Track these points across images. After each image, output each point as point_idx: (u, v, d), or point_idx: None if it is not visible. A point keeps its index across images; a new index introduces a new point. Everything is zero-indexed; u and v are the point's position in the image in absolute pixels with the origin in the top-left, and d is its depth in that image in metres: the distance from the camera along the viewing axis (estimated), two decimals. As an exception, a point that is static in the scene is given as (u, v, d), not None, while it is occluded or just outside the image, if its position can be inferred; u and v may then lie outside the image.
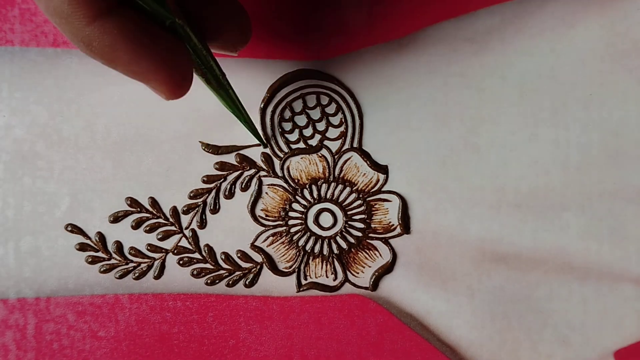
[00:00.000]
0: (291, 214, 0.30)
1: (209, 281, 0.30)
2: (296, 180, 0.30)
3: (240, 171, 0.30)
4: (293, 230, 0.30)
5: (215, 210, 0.30)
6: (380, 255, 0.30)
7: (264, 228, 0.30)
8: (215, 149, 0.30)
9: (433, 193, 0.30)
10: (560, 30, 0.29)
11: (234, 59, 0.30)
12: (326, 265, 0.30)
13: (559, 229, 0.29)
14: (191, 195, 0.30)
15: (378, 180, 0.30)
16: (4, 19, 0.30)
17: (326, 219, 0.30)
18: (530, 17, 0.29)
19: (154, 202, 0.30)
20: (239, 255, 0.30)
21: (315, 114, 0.30)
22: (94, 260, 0.30)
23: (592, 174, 0.29)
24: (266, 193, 0.30)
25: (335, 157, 0.30)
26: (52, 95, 0.30)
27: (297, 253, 0.30)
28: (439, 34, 0.30)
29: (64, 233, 0.29)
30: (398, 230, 0.30)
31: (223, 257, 0.30)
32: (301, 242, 0.30)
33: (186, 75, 0.22)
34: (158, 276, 0.30)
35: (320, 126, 0.30)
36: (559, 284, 0.29)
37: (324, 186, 0.30)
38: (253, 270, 0.30)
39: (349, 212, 0.30)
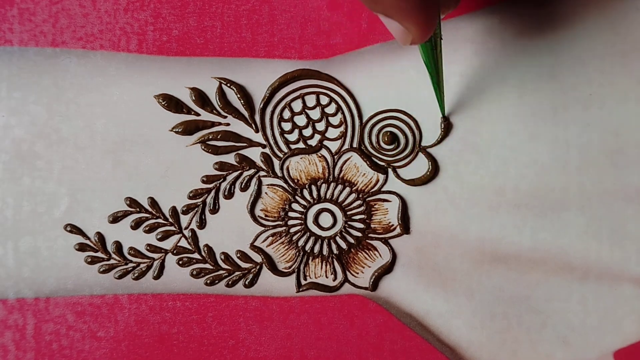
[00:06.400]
0: (291, 214, 0.30)
1: (208, 281, 0.30)
2: (296, 180, 0.30)
3: (239, 171, 0.30)
4: (293, 230, 0.30)
5: (214, 210, 0.30)
6: (380, 255, 0.30)
7: (263, 228, 0.30)
8: (214, 149, 0.30)
9: (433, 193, 0.30)
10: (560, 30, 0.29)
11: (233, 58, 0.29)
12: (326, 266, 0.30)
13: (559, 229, 0.29)
14: (190, 195, 0.30)
15: (378, 181, 0.30)
16: (3, 19, 0.29)
17: (326, 219, 0.30)
18: (530, 17, 0.29)
19: (153, 202, 0.30)
20: (238, 255, 0.30)
21: (315, 114, 0.30)
22: (93, 261, 0.29)
23: (592, 174, 0.29)
24: (266, 193, 0.30)
25: (335, 157, 0.30)
26: (51, 95, 0.29)
27: (297, 253, 0.30)
28: (439, 34, 0.30)
29: (63, 233, 0.29)
30: (398, 230, 0.30)
31: (222, 257, 0.30)
32: (301, 242, 0.30)
33: (434, 24, 0.22)
34: (157, 276, 0.30)
35: (320, 126, 0.30)
36: (559, 284, 0.29)
37: (324, 186, 0.30)
38: (252, 270, 0.30)
39: (348, 212, 0.30)
